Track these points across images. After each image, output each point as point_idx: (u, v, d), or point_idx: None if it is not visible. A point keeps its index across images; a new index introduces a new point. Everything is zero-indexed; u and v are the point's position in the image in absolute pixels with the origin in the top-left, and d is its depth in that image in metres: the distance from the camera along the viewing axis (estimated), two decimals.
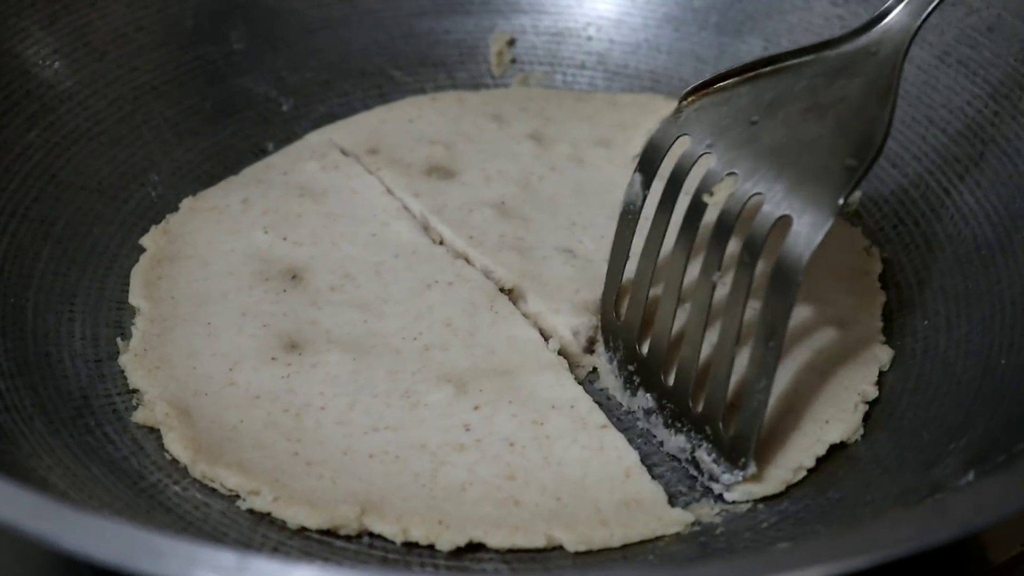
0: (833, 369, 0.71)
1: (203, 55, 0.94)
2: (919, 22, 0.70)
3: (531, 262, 0.79)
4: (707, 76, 0.92)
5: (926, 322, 0.75)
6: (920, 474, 0.63)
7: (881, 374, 0.73)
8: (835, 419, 0.69)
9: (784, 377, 0.70)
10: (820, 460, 0.68)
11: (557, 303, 0.76)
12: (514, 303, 0.77)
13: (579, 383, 0.72)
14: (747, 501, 0.66)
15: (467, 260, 0.80)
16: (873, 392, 0.71)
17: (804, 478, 0.67)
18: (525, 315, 0.76)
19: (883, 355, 0.74)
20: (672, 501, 0.67)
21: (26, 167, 0.81)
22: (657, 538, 0.64)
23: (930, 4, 0.70)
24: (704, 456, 0.67)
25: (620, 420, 0.72)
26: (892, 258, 0.81)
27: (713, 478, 0.66)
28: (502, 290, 0.78)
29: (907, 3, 0.70)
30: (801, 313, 0.75)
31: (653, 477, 0.67)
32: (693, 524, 0.65)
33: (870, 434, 0.69)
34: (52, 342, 0.73)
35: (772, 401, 0.67)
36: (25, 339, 0.72)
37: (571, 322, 0.75)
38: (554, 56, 1.00)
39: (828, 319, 0.75)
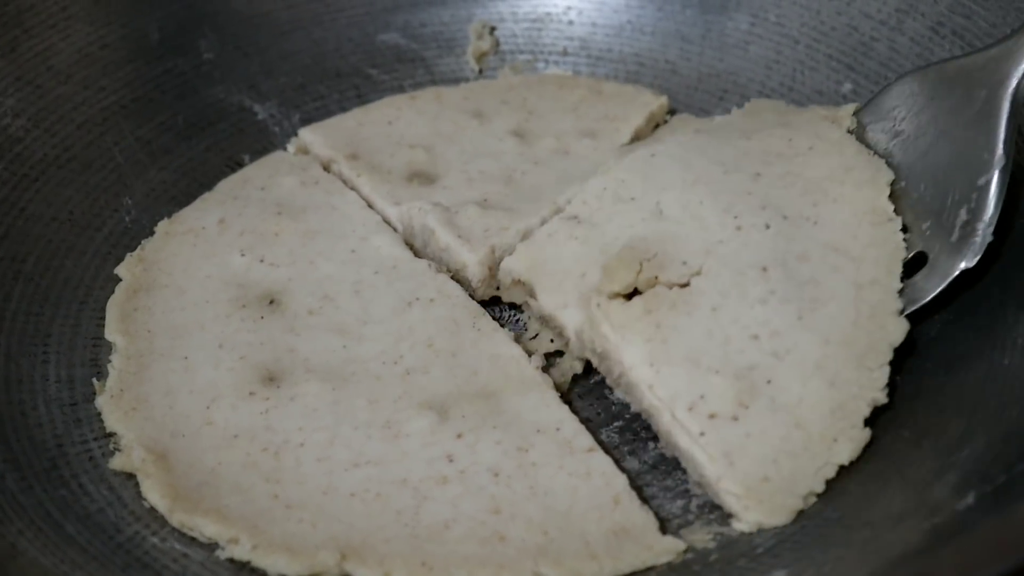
0: (842, 371, 0.66)
1: (172, 68, 0.91)
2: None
3: (537, 245, 0.75)
4: (692, 58, 0.90)
5: (935, 316, 0.71)
6: (920, 492, 0.60)
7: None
8: (844, 436, 0.64)
9: (791, 383, 0.65)
10: None
11: (564, 295, 0.72)
12: (527, 299, 0.74)
13: (565, 402, 0.69)
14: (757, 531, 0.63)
15: (458, 270, 0.78)
16: (883, 398, 0.65)
17: None
18: (538, 313, 0.73)
19: (897, 332, 0.67)
20: (664, 526, 0.64)
21: None
22: (648, 568, 0.62)
23: None
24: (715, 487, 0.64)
25: (608, 438, 0.70)
26: None
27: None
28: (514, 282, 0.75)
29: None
30: (814, 270, 0.69)
31: (644, 500, 0.65)
32: (686, 551, 0.62)
33: (872, 443, 0.66)
34: (26, 388, 0.72)
35: (779, 415, 0.64)
36: None
37: (576, 318, 0.71)
38: (535, 43, 0.97)
39: (846, 278, 0.69)
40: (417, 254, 0.80)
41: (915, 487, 0.61)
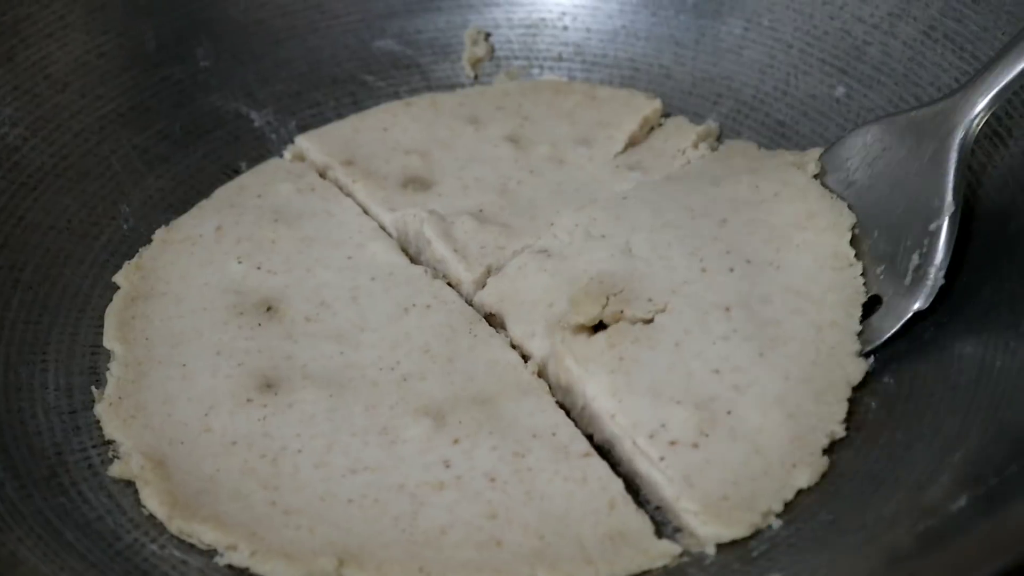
0: (802, 404, 0.68)
1: (169, 76, 0.91)
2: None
3: (508, 279, 0.77)
4: (687, 62, 0.90)
5: (928, 318, 0.71)
6: (914, 495, 0.60)
7: (873, 375, 0.71)
8: (802, 463, 0.66)
9: (751, 414, 0.67)
10: None
11: (532, 325, 0.74)
12: (497, 328, 0.75)
13: (561, 407, 0.70)
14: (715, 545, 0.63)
15: (448, 282, 0.78)
16: (841, 432, 0.67)
17: (797, 497, 0.65)
18: (508, 338, 0.74)
19: (855, 371, 0.70)
20: (660, 530, 0.65)
21: None
22: (644, 572, 0.62)
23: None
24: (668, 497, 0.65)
25: (604, 442, 0.70)
26: None
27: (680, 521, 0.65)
28: (487, 315, 0.76)
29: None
30: (776, 312, 0.72)
31: (639, 504, 0.65)
32: (681, 555, 0.63)
33: (864, 445, 0.67)
34: (25, 397, 0.72)
35: (739, 442, 0.66)
36: None
37: (543, 347, 0.72)
38: (530, 50, 0.97)
39: (806, 319, 0.72)
40: (412, 260, 0.80)
41: (908, 489, 0.61)
